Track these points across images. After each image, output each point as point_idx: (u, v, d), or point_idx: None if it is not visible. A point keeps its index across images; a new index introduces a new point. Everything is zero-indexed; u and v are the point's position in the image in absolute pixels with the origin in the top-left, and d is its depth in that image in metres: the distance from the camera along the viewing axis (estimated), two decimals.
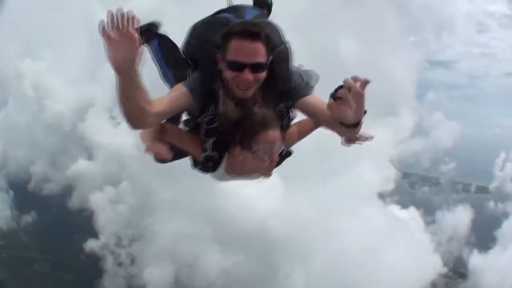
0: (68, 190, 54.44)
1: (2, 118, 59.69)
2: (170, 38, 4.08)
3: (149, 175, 43.86)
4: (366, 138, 4.08)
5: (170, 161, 3.97)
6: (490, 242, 51.79)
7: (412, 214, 47.78)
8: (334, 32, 46.76)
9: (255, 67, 3.30)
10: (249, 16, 3.92)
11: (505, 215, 56.05)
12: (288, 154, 3.94)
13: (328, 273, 40.66)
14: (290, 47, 3.75)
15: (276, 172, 3.78)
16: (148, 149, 3.63)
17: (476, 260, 48.76)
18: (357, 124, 3.00)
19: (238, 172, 3.85)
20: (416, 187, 57.81)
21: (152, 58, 4.04)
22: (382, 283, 39.99)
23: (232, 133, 3.46)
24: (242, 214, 42.04)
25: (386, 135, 46.49)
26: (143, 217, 47.22)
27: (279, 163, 3.82)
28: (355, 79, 2.74)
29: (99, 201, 49.92)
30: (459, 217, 51.24)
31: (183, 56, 3.83)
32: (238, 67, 3.29)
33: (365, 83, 2.76)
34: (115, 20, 2.70)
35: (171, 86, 3.79)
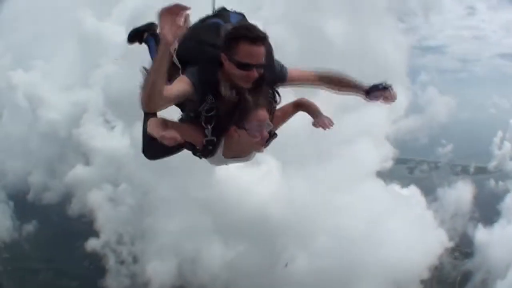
0: (67, 197, 54.71)
1: None
2: None
3: (146, 174, 43.99)
4: (327, 125, 4.58)
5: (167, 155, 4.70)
6: (494, 216, 51.55)
7: (413, 192, 47.63)
8: (322, 14, 46.93)
9: (259, 66, 3.85)
10: (233, 20, 4.43)
11: (507, 191, 55.71)
12: (274, 135, 4.37)
13: (331, 252, 40.62)
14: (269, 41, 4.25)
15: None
16: (163, 137, 4.03)
17: (481, 234, 48.51)
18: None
19: (234, 152, 4.36)
20: (416, 172, 57.55)
21: (150, 56, 4.79)
22: (387, 259, 40.00)
23: (230, 114, 4.01)
24: (241, 202, 42.16)
25: (381, 114, 46.48)
26: (143, 216, 47.24)
27: (267, 143, 4.30)
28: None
29: (98, 199, 49.86)
30: (461, 194, 50.84)
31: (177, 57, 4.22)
32: (247, 67, 3.81)
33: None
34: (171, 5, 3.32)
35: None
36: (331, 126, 4.54)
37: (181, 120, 4.37)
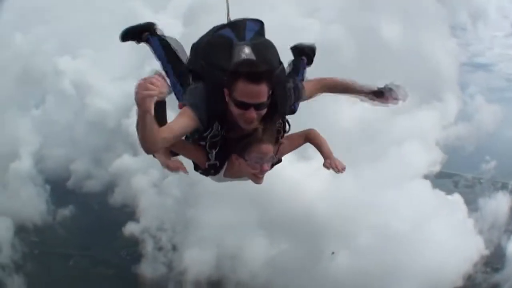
0: (110, 186, 54.55)
1: (40, 114, 59.87)
2: (168, 39, 4.95)
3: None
4: (338, 169, 4.58)
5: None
6: None
7: (456, 199, 47.95)
8: (378, 16, 47.47)
9: (259, 106, 3.81)
10: (249, 32, 4.41)
11: None
12: (279, 161, 4.47)
13: (372, 250, 40.98)
14: (284, 68, 4.46)
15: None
16: (166, 167, 4.50)
17: None
18: None
19: (235, 176, 4.43)
20: (460, 186, 57.55)
21: (154, 55, 4.89)
22: (426, 262, 40.17)
23: (233, 142, 4.06)
24: (288, 197, 42.27)
25: (432, 118, 47.02)
26: (187, 206, 47.58)
27: (270, 169, 4.29)
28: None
29: (143, 184, 50.23)
30: (500, 206, 51.12)
31: (188, 67, 4.46)
32: (244, 106, 3.79)
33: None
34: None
35: (171, 80, 4.61)
36: (343, 171, 4.52)
37: (186, 137, 4.36)
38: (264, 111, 3.87)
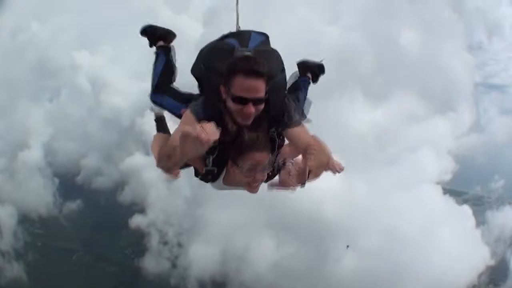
0: (120, 184, 54.46)
1: (53, 106, 60.16)
2: (173, 59, 5.12)
3: None
4: (337, 170, 4.65)
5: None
6: None
7: (465, 210, 48.01)
8: (396, 26, 48.15)
9: (256, 101, 3.83)
10: (253, 42, 4.47)
11: None
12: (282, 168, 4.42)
13: (380, 252, 41.11)
14: (286, 77, 4.44)
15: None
16: (168, 174, 4.35)
17: None
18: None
19: (233, 184, 4.35)
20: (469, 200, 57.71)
21: (154, 68, 5.05)
22: (433, 268, 39.99)
23: (229, 149, 4.02)
24: (297, 198, 41.78)
25: (446, 128, 47.41)
26: (196, 206, 47.41)
27: (273, 177, 4.40)
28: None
29: (153, 178, 49.55)
30: (507, 220, 50.70)
31: (191, 71, 4.50)
32: (242, 101, 3.80)
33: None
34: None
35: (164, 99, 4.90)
36: (341, 171, 4.60)
37: None
38: (261, 106, 3.86)
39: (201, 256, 45.40)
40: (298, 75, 5.35)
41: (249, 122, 3.88)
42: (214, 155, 4.06)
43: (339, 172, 4.57)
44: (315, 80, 5.34)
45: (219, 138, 3.56)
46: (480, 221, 49.15)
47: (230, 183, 4.32)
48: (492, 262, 45.95)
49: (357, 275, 40.67)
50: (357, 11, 49.35)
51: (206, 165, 4.14)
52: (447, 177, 48.30)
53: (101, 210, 53.44)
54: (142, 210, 50.88)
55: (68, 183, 54.98)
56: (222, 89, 3.86)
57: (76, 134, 57.51)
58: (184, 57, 5.26)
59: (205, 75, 4.21)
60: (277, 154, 4.23)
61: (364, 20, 48.44)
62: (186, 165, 4.39)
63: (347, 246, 42.06)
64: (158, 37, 5.15)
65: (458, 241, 43.39)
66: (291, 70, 5.12)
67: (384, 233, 41.57)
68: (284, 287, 42.72)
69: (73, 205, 53.79)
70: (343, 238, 42.51)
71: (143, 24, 5.21)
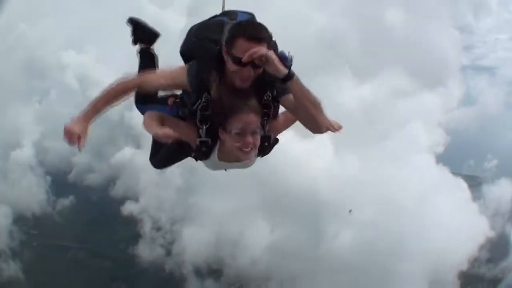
0: (111, 179, 54.99)
1: (43, 106, 61.23)
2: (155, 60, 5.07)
3: None
4: (335, 129, 4.48)
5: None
6: None
7: (460, 183, 47.76)
8: (381, 6, 48.71)
9: (256, 64, 3.83)
10: (241, 18, 4.49)
11: None
12: (276, 141, 4.43)
13: (376, 224, 40.76)
14: (276, 44, 4.32)
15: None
16: (157, 134, 4.17)
17: None
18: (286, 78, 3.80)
19: (229, 157, 4.27)
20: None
21: (139, 69, 4.88)
22: (432, 239, 39.52)
23: (218, 116, 3.99)
24: (290, 176, 42.01)
25: (435, 102, 47.57)
26: (188, 194, 47.28)
27: (268, 150, 4.38)
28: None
29: (143, 161, 49.33)
30: (504, 194, 50.41)
31: (181, 54, 4.46)
32: (242, 63, 3.80)
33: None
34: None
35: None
36: (340, 129, 4.48)
37: (178, 117, 4.40)
38: (260, 70, 3.86)
39: (196, 242, 45.50)
40: None
41: (247, 84, 3.90)
42: (208, 125, 4.06)
43: (338, 131, 4.41)
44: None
45: (210, 104, 3.83)
46: (476, 196, 49.17)
47: (225, 157, 4.25)
48: (492, 234, 45.40)
49: (354, 250, 40.45)
50: None
51: (199, 136, 4.11)
52: (440, 149, 48.21)
53: (94, 206, 53.79)
54: (134, 197, 51.18)
55: (60, 181, 55.32)
56: (224, 50, 3.88)
57: None
58: (169, 50, 5.26)
59: (198, 45, 4.24)
60: (270, 120, 4.18)
61: (351, 4, 49.37)
62: (184, 154, 4.45)
63: (350, 211, 41.92)
64: (141, 36, 5.08)
65: (455, 212, 43.19)
66: None
67: (379, 205, 41.30)
68: (281, 269, 42.69)
69: (66, 202, 54.11)
70: (338, 215, 42.36)
71: (132, 16, 5.07)
